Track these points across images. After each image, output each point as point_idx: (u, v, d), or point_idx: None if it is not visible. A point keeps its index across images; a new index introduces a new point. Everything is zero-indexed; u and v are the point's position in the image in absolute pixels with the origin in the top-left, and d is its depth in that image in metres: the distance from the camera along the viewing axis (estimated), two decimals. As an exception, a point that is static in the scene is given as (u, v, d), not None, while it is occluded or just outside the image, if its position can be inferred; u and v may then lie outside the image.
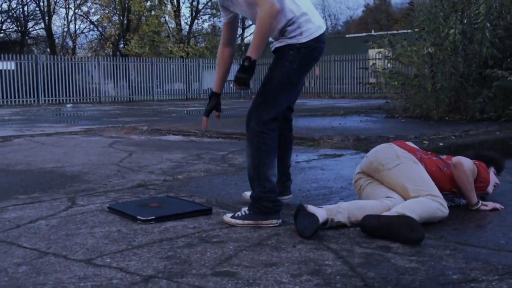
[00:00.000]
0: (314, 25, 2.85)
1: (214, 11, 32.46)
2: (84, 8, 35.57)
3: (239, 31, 31.78)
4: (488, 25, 8.49)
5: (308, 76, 24.62)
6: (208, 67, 26.07)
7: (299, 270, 2.11)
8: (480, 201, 3.05)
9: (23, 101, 20.16)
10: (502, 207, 3.06)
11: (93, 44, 37.19)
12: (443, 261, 2.20)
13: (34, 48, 35.20)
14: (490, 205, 3.07)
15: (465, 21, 8.80)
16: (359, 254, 2.29)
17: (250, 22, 2.86)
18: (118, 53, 31.27)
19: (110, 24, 33.74)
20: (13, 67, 20.09)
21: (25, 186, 3.94)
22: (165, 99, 23.75)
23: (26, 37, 33.91)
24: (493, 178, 3.32)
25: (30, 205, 3.31)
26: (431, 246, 2.39)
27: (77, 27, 38.93)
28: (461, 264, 2.15)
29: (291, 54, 2.80)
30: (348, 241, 2.49)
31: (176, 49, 28.99)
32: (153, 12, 30.77)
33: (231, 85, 26.20)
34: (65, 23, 37.85)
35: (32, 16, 33.90)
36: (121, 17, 32.38)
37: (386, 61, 11.06)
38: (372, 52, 21.29)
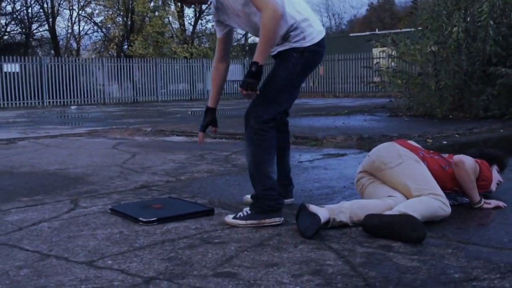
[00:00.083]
0: (315, 30, 2.88)
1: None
2: (88, 10, 35.69)
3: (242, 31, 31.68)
4: (492, 23, 8.46)
5: (312, 76, 24.63)
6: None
7: (300, 270, 2.11)
8: (483, 199, 3.04)
9: (27, 103, 20.21)
10: (505, 205, 3.05)
11: (97, 46, 37.25)
12: (445, 259, 2.19)
13: (38, 50, 35.30)
14: (493, 203, 3.06)
15: (468, 19, 8.77)
16: (360, 254, 2.29)
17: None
18: (122, 54, 31.32)
19: (114, 25, 33.80)
20: (17, 69, 20.15)
21: (28, 189, 3.95)
22: (169, 100, 23.77)
23: (31, 39, 33.99)
24: (496, 176, 3.30)
25: (33, 208, 3.32)
26: (433, 245, 2.39)
27: (81, 28, 39.11)
28: (463, 263, 2.15)
29: (295, 57, 2.83)
30: (350, 241, 2.49)
31: (180, 49, 29.00)
32: (156, 13, 30.79)
33: (236, 85, 26.24)
34: (69, 24, 37.94)
35: (36, 18, 34.00)
36: (124, 18, 32.43)
37: (389, 59, 11.02)
38: (376, 51, 21.27)
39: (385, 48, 10.66)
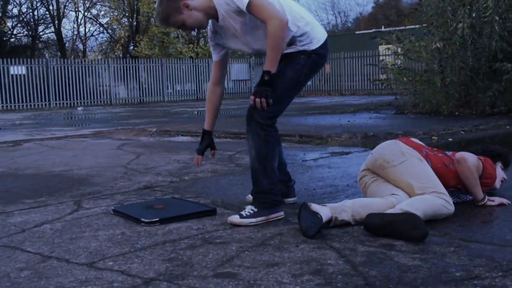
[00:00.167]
0: (319, 33, 2.95)
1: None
2: (94, 11, 35.83)
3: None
4: (497, 18, 8.41)
5: (318, 74, 24.56)
6: (217, 67, 25.98)
7: (300, 270, 2.10)
8: (487, 197, 3.02)
9: (34, 105, 20.29)
10: (509, 202, 3.02)
11: (103, 47, 37.37)
12: (447, 258, 2.18)
13: (45, 52, 35.45)
14: (497, 200, 3.03)
15: (474, 15, 8.72)
16: (361, 253, 2.28)
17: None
18: (128, 55, 31.39)
19: (120, 26, 33.89)
20: (24, 72, 20.23)
21: (32, 190, 3.96)
22: (175, 100, 23.79)
23: (37, 41, 34.15)
24: (500, 173, 3.28)
25: (36, 209, 3.33)
26: (435, 243, 2.37)
27: (87, 30, 39.24)
28: (464, 261, 2.13)
29: (303, 59, 2.89)
30: (352, 240, 2.47)
31: (186, 49, 29.01)
32: (162, 14, 30.80)
33: (242, 84, 26.25)
34: (75, 26, 38.08)
35: (42, 20, 34.16)
36: (130, 19, 32.51)
37: (395, 57, 10.98)
38: (382, 49, 21.19)
39: (390, 46, 10.61)
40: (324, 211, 2.65)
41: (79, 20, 37.28)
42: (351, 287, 1.91)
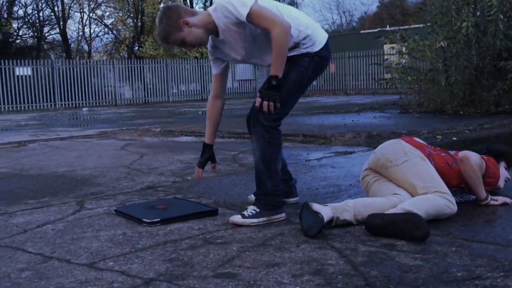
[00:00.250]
0: (320, 35, 2.96)
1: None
2: (99, 12, 35.90)
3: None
4: (502, 17, 8.37)
5: (323, 74, 24.51)
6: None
7: (301, 270, 2.09)
8: (490, 196, 3.00)
9: (40, 106, 20.37)
10: (513, 201, 3.00)
11: (108, 48, 37.46)
12: (448, 258, 2.16)
13: (50, 53, 35.56)
14: (500, 199, 3.02)
15: (478, 14, 8.68)
16: (363, 253, 2.27)
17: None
18: (133, 55, 31.46)
19: (124, 27, 33.96)
20: (29, 73, 20.31)
21: (36, 191, 3.97)
22: (180, 100, 23.82)
23: (42, 42, 34.27)
24: (503, 173, 3.26)
25: (39, 210, 3.33)
26: (437, 243, 2.36)
27: (92, 31, 39.31)
28: (466, 261, 2.12)
29: (306, 61, 2.90)
30: (353, 240, 2.46)
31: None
32: (166, 14, 30.85)
33: (247, 84, 26.24)
34: (80, 27, 38.18)
35: (47, 21, 34.27)
36: (135, 20, 32.57)
37: (399, 56, 10.95)
38: (387, 48, 21.13)
39: (393, 45, 10.59)
40: (326, 211, 2.64)
41: (84, 21, 37.47)
42: None
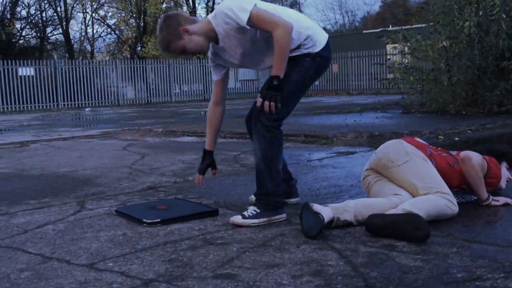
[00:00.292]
0: (320, 36, 2.96)
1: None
2: (101, 12, 35.93)
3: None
4: (504, 16, 8.34)
5: (326, 74, 24.51)
6: (225, 67, 26.01)
7: (300, 271, 2.08)
8: (491, 196, 2.99)
9: (42, 106, 20.40)
10: (515, 202, 2.99)
11: (111, 48, 37.49)
12: (449, 259, 2.16)
13: (53, 54, 35.61)
14: (502, 200, 3.00)
15: (481, 13, 8.65)
16: (363, 254, 2.26)
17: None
18: (135, 55, 31.48)
19: (127, 27, 33.99)
20: (32, 73, 20.34)
21: (37, 191, 3.97)
22: (183, 100, 23.83)
23: (45, 43, 34.31)
24: (505, 173, 3.25)
25: (40, 210, 3.33)
26: (438, 244, 2.35)
27: (94, 31, 39.37)
28: (466, 262, 2.11)
29: (308, 61, 2.90)
30: (353, 240, 2.46)
31: (193, 50, 29.02)
32: (169, 14, 30.87)
33: (249, 85, 26.24)
34: (83, 27, 38.23)
35: (50, 22, 34.32)
36: (137, 20, 32.60)
37: (402, 56, 10.93)
38: (389, 48, 21.09)
39: (395, 45, 10.57)
40: (326, 212, 2.63)
41: (86, 22, 37.56)
42: (351, 288, 1.90)
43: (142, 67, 23.50)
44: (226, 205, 3.28)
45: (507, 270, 2.00)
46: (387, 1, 50.94)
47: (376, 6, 69.86)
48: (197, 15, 31.81)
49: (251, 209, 2.84)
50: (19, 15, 32.68)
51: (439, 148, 3.18)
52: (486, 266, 2.05)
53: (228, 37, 2.82)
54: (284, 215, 2.88)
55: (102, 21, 36.05)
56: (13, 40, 31.55)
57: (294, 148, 5.87)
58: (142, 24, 32.15)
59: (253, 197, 3.13)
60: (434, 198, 2.70)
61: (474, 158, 2.96)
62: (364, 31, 35.01)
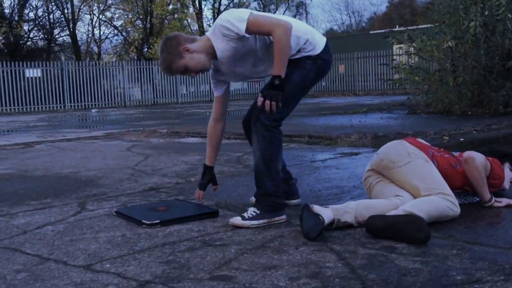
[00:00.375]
0: (319, 39, 2.98)
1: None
2: (108, 14, 36.03)
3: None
4: (510, 16, 8.27)
5: (332, 74, 24.48)
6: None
7: (298, 273, 2.06)
8: (494, 198, 2.96)
9: (49, 107, 20.48)
10: (517, 204, 2.96)
11: (118, 49, 37.59)
12: (449, 261, 2.13)
13: (61, 55, 35.74)
14: (504, 201, 2.97)
15: (486, 13, 8.59)
16: (362, 256, 2.24)
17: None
18: (142, 57, 31.54)
19: (134, 28, 34.08)
20: (39, 74, 20.43)
21: (39, 192, 3.97)
22: (189, 101, 23.85)
23: (53, 44, 34.45)
24: (508, 174, 3.21)
25: (40, 211, 3.33)
26: (438, 246, 2.32)
27: (101, 32, 39.46)
28: (466, 264, 2.08)
29: (309, 64, 2.91)
30: (353, 242, 2.43)
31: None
32: (175, 15, 30.96)
33: (254, 85, 26.21)
34: (90, 29, 38.36)
35: (57, 24, 34.46)
36: (144, 22, 32.67)
37: (408, 56, 10.88)
38: (396, 48, 21.02)
39: (401, 45, 10.53)
40: (327, 213, 2.61)
41: (93, 23, 37.62)
42: (348, 291, 1.88)
43: (149, 68, 23.54)
44: (227, 206, 3.26)
45: (507, 273, 1.97)
46: (394, 2, 50.83)
47: (383, 6, 69.69)
48: (203, 16, 31.86)
49: (251, 211, 2.83)
50: (27, 17, 32.84)
51: (442, 149, 3.15)
52: (486, 269, 2.02)
53: (228, 52, 2.83)
54: (284, 217, 2.86)
55: (109, 22, 36.17)
56: (20, 41, 31.71)
57: (297, 149, 5.84)
58: (148, 25, 32.22)
59: (253, 199, 3.12)
60: (435, 199, 2.67)
61: (477, 159, 2.94)
62: (371, 32, 34.94)
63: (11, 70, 19.62)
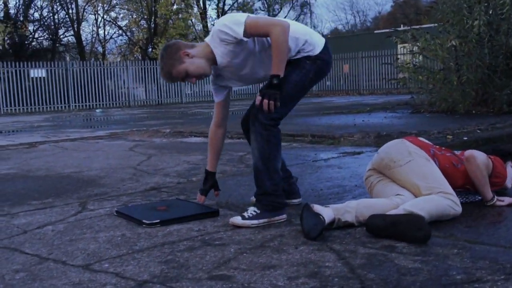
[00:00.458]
0: (318, 40, 2.97)
1: (240, 12, 32.49)
2: (113, 14, 36.12)
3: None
4: (514, 15, 8.25)
5: (337, 74, 24.44)
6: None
7: (297, 272, 2.05)
8: (496, 196, 2.94)
9: (54, 107, 20.53)
10: (520, 202, 2.93)
11: (122, 49, 37.67)
12: (449, 260, 2.11)
13: (65, 55, 35.84)
14: (507, 200, 2.95)
15: (491, 12, 8.56)
16: (361, 255, 2.22)
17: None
18: (146, 57, 31.59)
19: (138, 28, 34.13)
20: (44, 75, 20.48)
21: (40, 192, 3.97)
22: (193, 101, 23.86)
23: (57, 44, 34.56)
24: (510, 173, 3.19)
25: (41, 211, 3.33)
26: (438, 245, 2.31)
27: (106, 32, 39.58)
28: (467, 264, 2.06)
29: (308, 64, 2.90)
30: (353, 241, 2.42)
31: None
32: (180, 15, 30.98)
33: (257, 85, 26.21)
34: (94, 29, 38.44)
35: (62, 24, 34.57)
36: (148, 22, 32.71)
37: (412, 55, 10.84)
38: (400, 47, 20.95)
39: (405, 44, 10.50)
40: (327, 213, 2.60)
41: (98, 23, 37.67)
42: (346, 290, 1.86)
43: (153, 68, 23.55)
44: (228, 206, 3.25)
45: (508, 272, 1.95)
46: (399, 1, 50.67)
47: (387, 6, 69.58)
48: (207, 16, 31.87)
49: (251, 210, 2.82)
50: (32, 17, 32.98)
51: (443, 148, 3.13)
52: (486, 268, 2.01)
53: (226, 57, 2.83)
54: (284, 216, 2.85)
55: (114, 22, 36.27)
56: (25, 42, 31.82)
57: (300, 149, 5.83)
58: (153, 25, 32.26)
59: (254, 198, 3.11)
60: (436, 198, 2.66)
61: (479, 157, 2.92)
62: (375, 31, 34.85)
63: (16, 71, 19.68)
